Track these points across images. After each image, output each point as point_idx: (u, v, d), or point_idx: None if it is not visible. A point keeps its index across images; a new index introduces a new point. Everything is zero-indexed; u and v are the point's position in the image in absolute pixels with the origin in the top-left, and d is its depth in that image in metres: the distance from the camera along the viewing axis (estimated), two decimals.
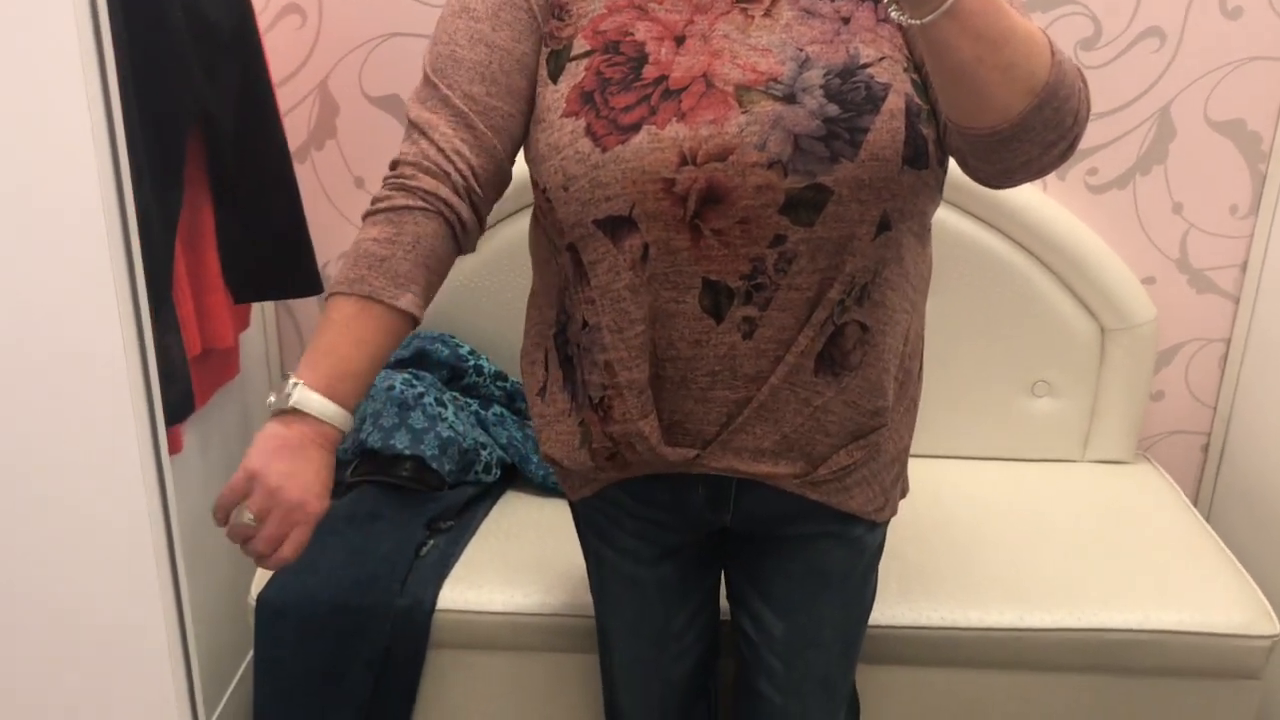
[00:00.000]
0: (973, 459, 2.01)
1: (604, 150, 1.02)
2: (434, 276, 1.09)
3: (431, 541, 1.69)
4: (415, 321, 1.08)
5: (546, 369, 1.22)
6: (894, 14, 0.88)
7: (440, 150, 1.07)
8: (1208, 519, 2.08)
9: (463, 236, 1.10)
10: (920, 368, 1.24)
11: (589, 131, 1.03)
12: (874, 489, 1.20)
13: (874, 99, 1.01)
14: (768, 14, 1.05)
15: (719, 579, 1.38)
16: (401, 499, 1.71)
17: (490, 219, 1.92)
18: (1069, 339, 1.93)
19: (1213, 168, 1.91)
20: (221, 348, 1.70)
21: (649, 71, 1.04)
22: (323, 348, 1.04)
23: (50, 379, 1.18)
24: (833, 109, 1.01)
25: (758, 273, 1.05)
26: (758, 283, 1.05)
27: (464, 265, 1.94)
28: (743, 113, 1.01)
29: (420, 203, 1.06)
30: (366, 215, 1.09)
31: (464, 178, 1.08)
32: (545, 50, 1.10)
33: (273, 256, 1.73)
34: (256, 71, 1.63)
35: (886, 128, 1.01)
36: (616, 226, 1.05)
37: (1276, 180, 1.89)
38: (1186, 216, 1.94)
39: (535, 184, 1.11)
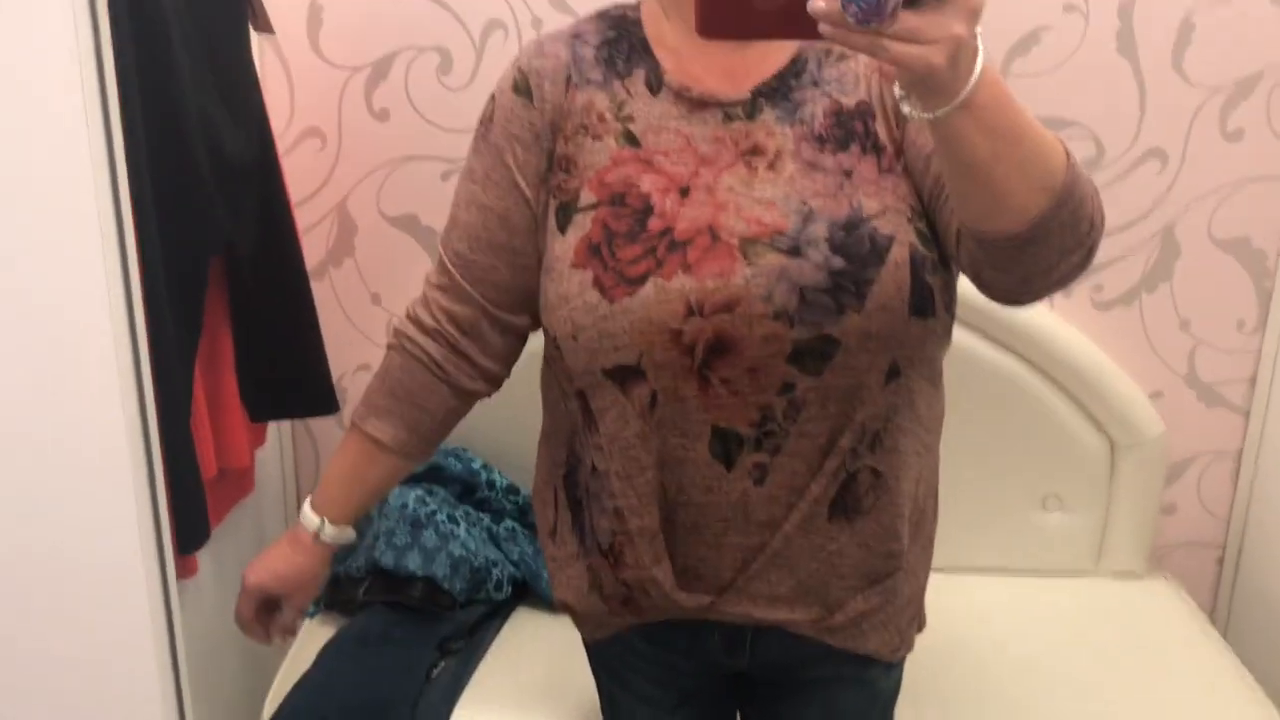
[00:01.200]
0: (987, 572, 2.00)
1: (612, 302, 1.05)
2: (405, 406, 1.21)
3: (443, 663, 1.69)
4: (388, 445, 1.22)
5: (556, 510, 1.23)
6: (906, 109, 0.86)
7: (423, 299, 1.21)
8: (1225, 632, 2.06)
9: (440, 372, 1.20)
10: (935, 506, 1.24)
11: (597, 283, 1.06)
12: (890, 630, 1.19)
13: (878, 251, 1.03)
14: (771, 167, 1.07)
15: None
16: (413, 619, 1.72)
17: None
18: (1079, 454, 1.93)
19: (1218, 284, 1.93)
20: (238, 467, 1.72)
21: (654, 223, 1.06)
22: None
23: (62, 508, 1.21)
24: (838, 261, 1.02)
25: (767, 420, 1.06)
26: (768, 430, 1.06)
27: None
28: (748, 265, 1.03)
29: (393, 340, 1.22)
30: None
31: (436, 320, 1.19)
32: (554, 202, 1.12)
33: (289, 376, 1.76)
34: (276, 198, 1.67)
35: (892, 279, 1.02)
36: (625, 375, 1.06)
37: None
38: (1194, 332, 1.95)
39: (546, 331, 1.14)
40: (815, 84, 1.10)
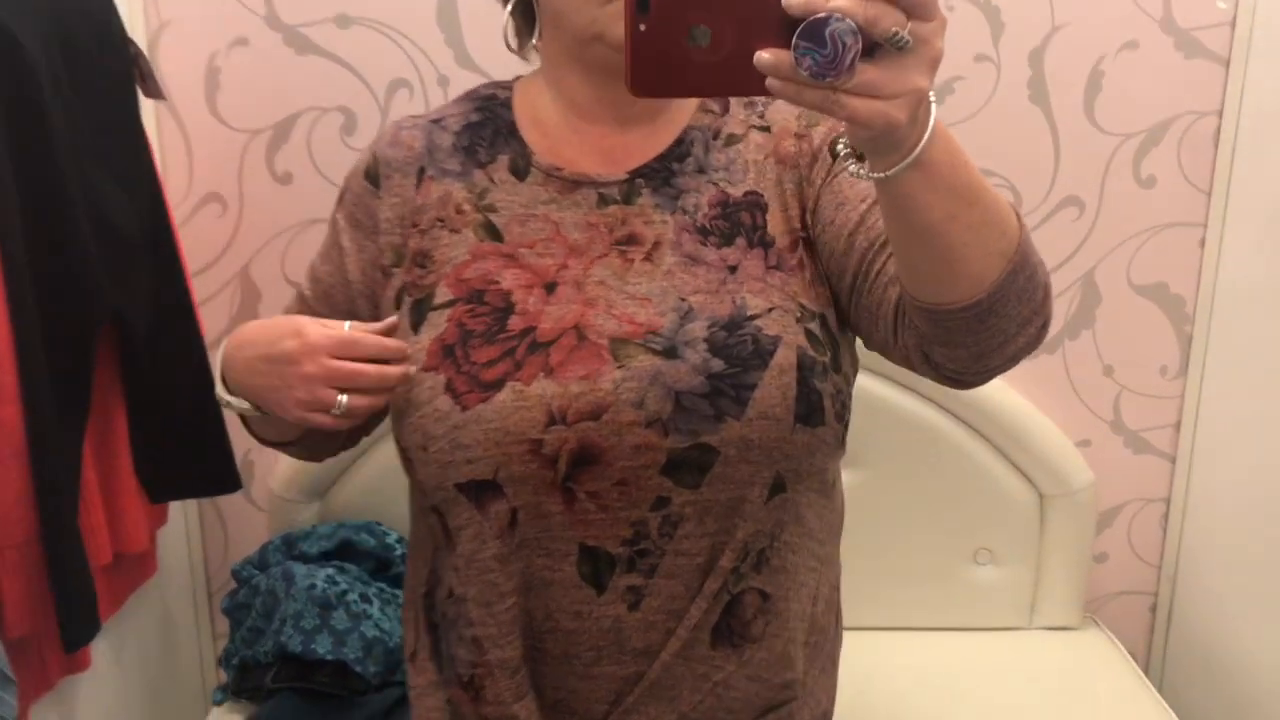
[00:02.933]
0: (918, 630, 1.96)
1: (464, 409, 0.96)
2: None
3: None
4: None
5: (416, 633, 1.13)
6: (853, 168, 0.80)
7: None
8: (1160, 683, 2.04)
9: None
10: (838, 620, 1.15)
11: (449, 388, 0.97)
12: None
13: (762, 353, 0.95)
14: (648, 259, 1.00)
15: None
16: (323, 706, 1.63)
17: None
18: (1008, 507, 1.90)
19: (1139, 330, 1.92)
20: (136, 551, 1.63)
21: (515, 322, 0.99)
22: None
23: None
24: (717, 364, 0.95)
25: (640, 538, 0.97)
26: (641, 549, 0.97)
27: (388, 449, 1.89)
28: (618, 367, 0.95)
29: None
30: None
31: None
32: (409, 299, 1.05)
33: (189, 454, 1.68)
34: (170, 268, 1.60)
35: (776, 384, 0.95)
36: (480, 491, 0.97)
37: (1202, 340, 1.90)
38: (1118, 379, 1.94)
39: (397, 441, 1.05)
40: (700, 170, 1.04)
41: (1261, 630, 1.79)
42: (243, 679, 1.73)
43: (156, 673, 1.84)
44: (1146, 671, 2.01)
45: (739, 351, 0.95)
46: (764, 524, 0.99)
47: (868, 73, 0.68)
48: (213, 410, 1.70)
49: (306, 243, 1.86)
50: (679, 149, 1.05)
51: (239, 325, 1.87)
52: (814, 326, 0.99)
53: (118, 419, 1.59)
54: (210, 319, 1.87)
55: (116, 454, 1.59)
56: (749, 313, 0.97)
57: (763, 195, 1.02)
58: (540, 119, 1.08)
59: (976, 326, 0.84)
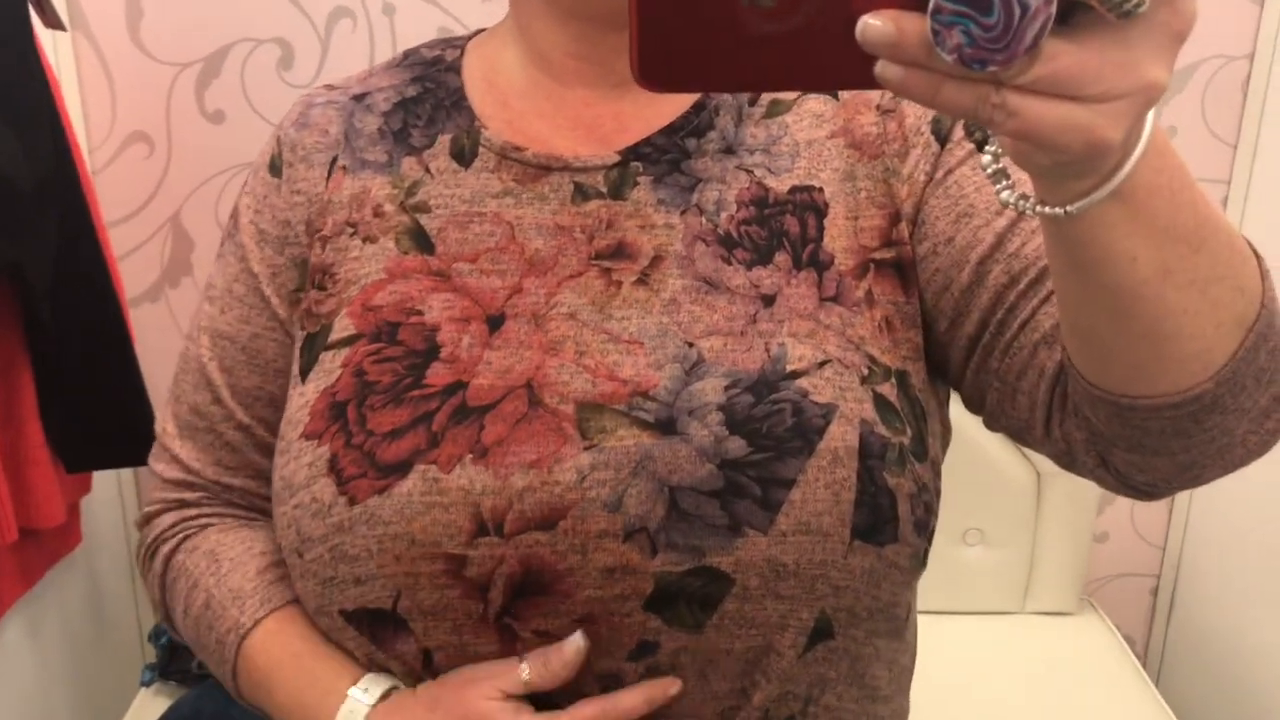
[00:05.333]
0: None
1: (352, 502, 0.67)
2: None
3: None
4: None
5: None
6: (1006, 195, 0.50)
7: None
8: (1158, 670, 1.93)
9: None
10: None
11: (333, 467, 0.68)
12: None
13: (806, 431, 0.65)
14: (643, 281, 0.69)
15: None
16: None
17: None
18: (1003, 486, 1.77)
19: None
20: (48, 526, 1.50)
21: (437, 374, 0.69)
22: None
23: None
24: (737, 446, 0.65)
25: None
26: None
27: None
28: (586, 447, 0.65)
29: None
30: None
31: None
32: (302, 334, 0.78)
33: (109, 420, 1.54)
34: (78, 217, 1.45)
35: (825, 479, 0.65)
36: (376, 623, 0.69)
37: None
38: None
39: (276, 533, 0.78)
40: (728, 150, 0.73)
41: (1268, 616, 1.67)
42: (171, 660, 1.62)
43: (85, 650, 1.72)
44: (1144, 659, 1.90)
45: (771, 427, 0.65)
46: (797, 684, 0.69)
47: (1062, 55, 0.41)
48: (132, 372, 1.56)
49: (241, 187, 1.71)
50: (697, 119, 0.74)
51: (171, 276, 1.75)
52: (888, 390, 0.69)
53: (23, 384, 1.45)
54: (139, 268, 1.73)
55: (23, 421, 1.46)
56: (790, 368, 0.67)
57: (822, 191, 0.72)
58: (497, 82, 0.79)
59: (1191, 428, 0.57)
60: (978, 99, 0.42)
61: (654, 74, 0.44)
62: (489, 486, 0.65)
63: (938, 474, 0.73)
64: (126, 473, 1.84)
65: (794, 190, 0.72)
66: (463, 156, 0.77)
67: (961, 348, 0.70)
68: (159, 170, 1.69)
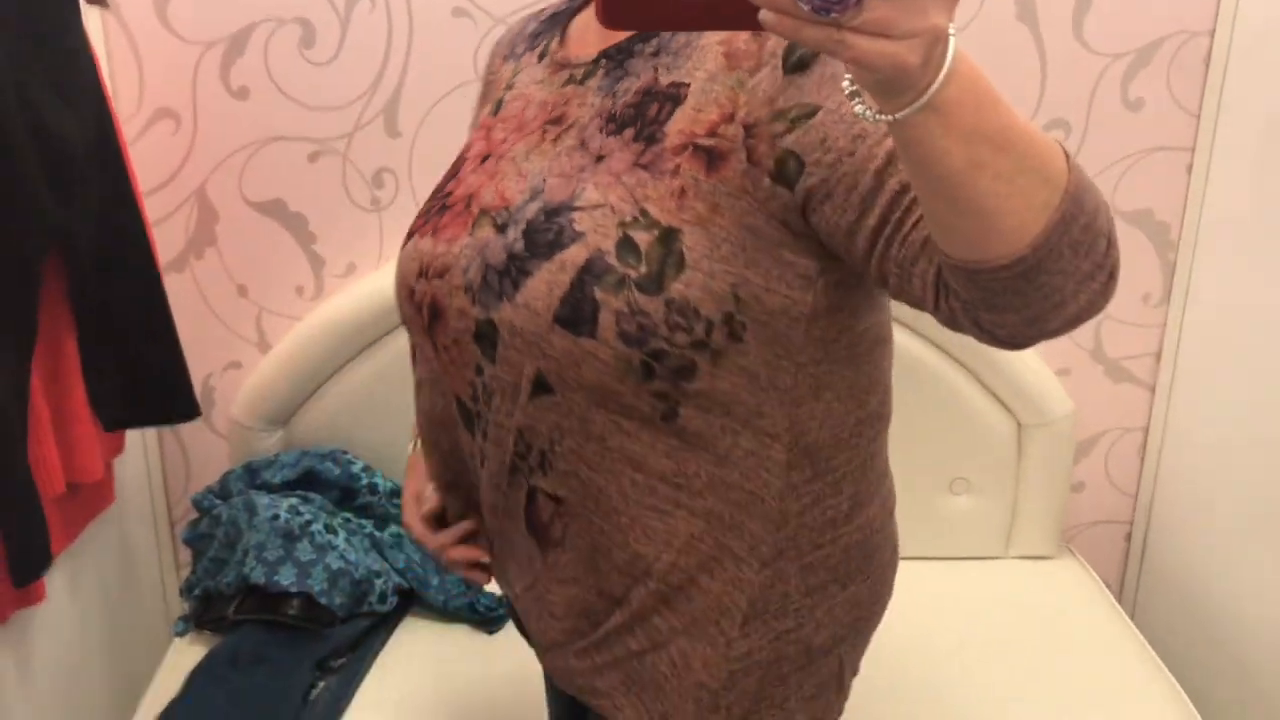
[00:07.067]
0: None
1: (403, 247, 1.07)
2: None
3: (322, 683, 1.58)
4: None
5: None
6: (859, 108, 0.70)
7: None
8: (1133, 611, 2.04)
9: None
10: (733, 586, 0.99)
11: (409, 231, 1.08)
12: (645, 702, 1.01)
13: (556, 244, 0.90)
14: (557, 139, 0.98)
15: None
16: (288, 638, 1.60)
17: (383, 327, 1.84)
18: (985, 436, 1.88)
19: (1124, 257, 1.86)
20: (90, 481, 1.58)
21: (449, 185, 1.06)
22: None
23: None
24: (519, 245, 0.93)
25: (475, 399, 1.00)
26: (477, 410, 1.00)
27: (355, 375, 1.84)
28: (469, 235, 0.98)
29: None
30: None
31: None
32: None
33: (144, 381, 1.62)
34: (119, 186, 1.53)
35: (548, 278, 0.90)
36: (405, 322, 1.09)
37: (1186, 268, 1.87)
38: None
39: None
40: (656, 53, 0.95)
41: (1234, 559, 1.78)
42: (205, 610, 1.70)
43: (116, 604, 1.80)
44: (1120, 599, 2.00)
45: (541, 238, 0.92)
46: (535, 421, 0.95)
47: (879, 8, 0.60)
48: (169, 336, 1.64)
49: (264, 161, 1.79)
50: (655, 33, 0.98)
51: (196, 247, 1.83)
52: (640, 236, 0.89)
53: (68, 346, 1.52)
54: (165, 240, 1.80)
55: (68, 381, 1.53)
56: (577, 204, 0.92)
57: (688, 86, 0.92)
58: (583, 12, 1.08)
59: (1023, 286, 0.74)
60: (825, 36, 0.61)
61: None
62: (428, 250, 1.01)
63: (684, 312, 0.90)
64: (153, 440, 1.92)
65: (671, 85, 0.94)
66: (541, 57, 1.07)
67: (866, 238, 0.86)
68: (185, 145, 1.77)
